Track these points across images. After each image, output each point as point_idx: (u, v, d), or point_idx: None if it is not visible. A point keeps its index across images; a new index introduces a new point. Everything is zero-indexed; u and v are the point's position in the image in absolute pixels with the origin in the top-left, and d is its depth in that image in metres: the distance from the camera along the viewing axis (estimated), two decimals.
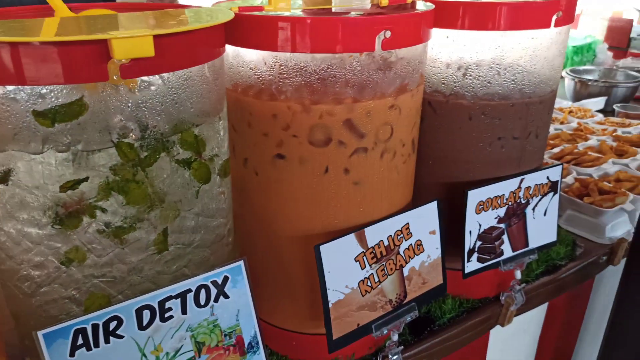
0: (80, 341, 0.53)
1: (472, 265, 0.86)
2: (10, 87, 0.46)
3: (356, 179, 0.67)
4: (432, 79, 0.81)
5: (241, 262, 0.61)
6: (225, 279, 0.61)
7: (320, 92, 0.62)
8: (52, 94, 0.46)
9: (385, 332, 0.75)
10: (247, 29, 0.60)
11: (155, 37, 0.45)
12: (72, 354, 0.53)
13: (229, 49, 0.64)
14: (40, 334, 0.51)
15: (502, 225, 0.88)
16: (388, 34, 0.59)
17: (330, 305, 0.68)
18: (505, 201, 0.86)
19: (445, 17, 0.74)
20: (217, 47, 0.56)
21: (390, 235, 0.72)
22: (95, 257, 0.56)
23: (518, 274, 0.94)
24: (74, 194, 0.52)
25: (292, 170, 0.66)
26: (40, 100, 0.46)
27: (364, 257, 0.70)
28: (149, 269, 0.58)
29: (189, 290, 0.58)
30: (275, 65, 0.62)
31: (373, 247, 0.71)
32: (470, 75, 0.79)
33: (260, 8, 0.65)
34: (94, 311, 0.53)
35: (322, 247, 0.65)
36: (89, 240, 0.55)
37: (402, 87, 0.66)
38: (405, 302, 0.76)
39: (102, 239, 0.55)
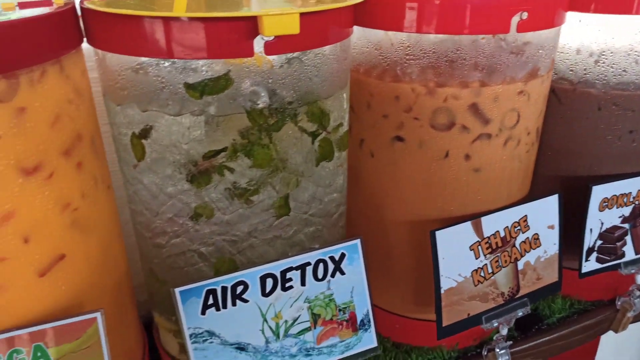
0: (210, 301, 0.57)
1: (590, 265, 0.81)
2: (164, 60, 0.50)
3: (477, 165, 0.65)
4: (559, 65, 0.76)
5: (357, 241, 0.62)
6: (342, 255, 0.62)
7: (447, 75, 0.61)
8: (203, 68, 0.49)
9: (495, 324, 0.73)
10: (376, 8, 0.60)
11: (301, 15, 0.46)
12: (203, 312, 0.57)
13: (354, 29, 0.65)
14: (177, 290, 0.56)
15: (626, 226, 0.82)
16: (525, 15, 0.57)
17: (442, 291, 0.67)
18: (632, 200, 0.80)
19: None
20: (349, 27, 0.57)
21: (507, 227, 0.70)
22: (221, 215, 0.59)
23: (639, 279, 0.87)
24: (207, 155, 0.55)
25: (410, 154, 0.66)
26: (192, 74, 0.50)
27: (479, 247, 0.68)
28: (267, 231, 0.61)
29: (308, 264, 0.60)
30: (402, 46, 0.61)
31: (489, 237, 0.69)
32: (603, 63, 0.74)
33: None
34: (223, 274, 0.57)
35: (437, 233, 0.64)
36: (216, 198, 0.58)
37: (533, 72, 0.63)
38: (517, 296, 0.73)
39: (228, 198, 0.58)
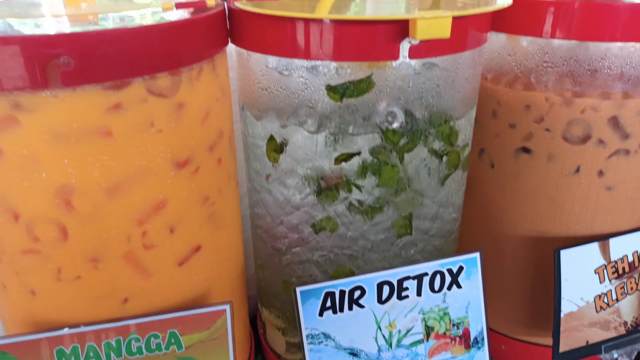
0: (328, 304, 0.57)
1: None
2: (309, 62, 0.51)
3: (610, 183, 0.62)
4: None
5: (477, 254, 0.60)
6: (460, 268, 0.60)
7: (587, 84, 0.58)
8: (347, 70, 0.50)
9: (615, 356, 0.68)
10: (513, 12, 0.58)
11: (454, 20, 0.45)
12: (320, 314, 0.57)
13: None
14: (298, 290, 0.57)
15: None
16: None
17: (562, 315, 0.63)
18: None
19: None
20: (486, 32, 0.55)
21: (637, 251, 0.65)
22: (343, 229, 0.59)
23: None
24: (336, 170, 0.56)
25: (537, 166, 0.63)
26: (335, 76, 0.50)
27: (605, 270, 0.64)
28: (387, 249, 0.61)
29: (425, 274, 0.59)
30: (539, 53, 0.59)
31: (616, 261, 0.65)
32: None
33: None
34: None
35: (562, 252, 0.61)
36: (341, 213, 0.59)
37: None
38: None
39: (352, 214, 0.58)
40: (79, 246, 0.47)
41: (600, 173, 0.61)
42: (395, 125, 0.53)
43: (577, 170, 0.61)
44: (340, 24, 0.46)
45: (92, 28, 0.45)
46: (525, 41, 0.60)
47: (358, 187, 0.56)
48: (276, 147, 0.58)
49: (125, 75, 0.42)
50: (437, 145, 0.56)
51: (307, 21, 0.47)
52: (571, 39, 0.56)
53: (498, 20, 0.59)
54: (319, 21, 0.46)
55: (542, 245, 0.64)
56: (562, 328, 0.63)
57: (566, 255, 0.61)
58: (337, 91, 0.51)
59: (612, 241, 0.63)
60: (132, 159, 0.46)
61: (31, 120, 0.42)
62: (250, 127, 0.61)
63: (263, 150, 0.60)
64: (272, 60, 0.53)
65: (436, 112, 0.54)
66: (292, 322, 0.69)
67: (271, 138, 0.57)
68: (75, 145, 0.43)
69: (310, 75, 0.51)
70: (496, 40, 0.63)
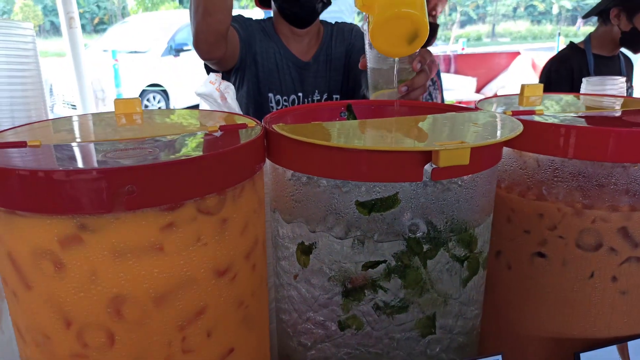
0: None
1: None
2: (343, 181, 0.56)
3: (624, 288, 0.64)
4: None
5: (499, 357, 0.62)
6: None
7: (595, 197, 0.62)
8: (375, 189, 0.55)
9: None
10: (526, 133, 0.64)
11: (472, 149, 0.51)
12: None
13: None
14: None
15: None
16: None
17: None
18: None
19: None
20: (500, 152, 0.61)
21: None
22: (369, 328, 0.62)
23: None
24: (362, 272, 0.60)
25: (552, 271, 0.66)
26: (364, 194, 0.55)
27: None
28: (412, 347, 0.63)
29: None
30: (549, 168, 0.64)
31: None
32: None
33: (531, 112, 0.69)
34: None
35: (582, 355, 0.63)
36: (367, 313, 0.61)
37: None
38: None
39: (377, 313, 0.61)
40: (124, 351, 0.50)
41: (614, 278, 0.64)
42: (418, 234, 0.57)
43: (592, 275, 0.64)
44: (372, 153, 0.51)
45: (149, 157, 0.51)
46: (535, 157, 0.65)
47: (383, 289, 0.60)
48: (305, 250, 0.62)
49: (179, 199, 0.48)
50: (457, 251, 0.60)
51: (342, 150, 0.52)
52: (578, 159, 0.61)
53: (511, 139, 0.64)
54: (354, 150, 0.52)
55: (561, 346, 0.66)
56: None
57: (586, 358, 0.63)
58: (366, 206, 0.55)
59: (631, 344, 0.65)
60: (179, 270, 0.50)
61: (94, 239, 0.46)
62: (280, 229, 0.65)
63: (291, 252, 0.64)
64: (305, 178, 0.58)
65: (456, 222, 0.58)
66: None
67: (301, 243, 0.61)
68: (131, 260, 0.47)
69: (341, 192, 0.56)
70: (508, 154, 0.68)
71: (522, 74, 6.57)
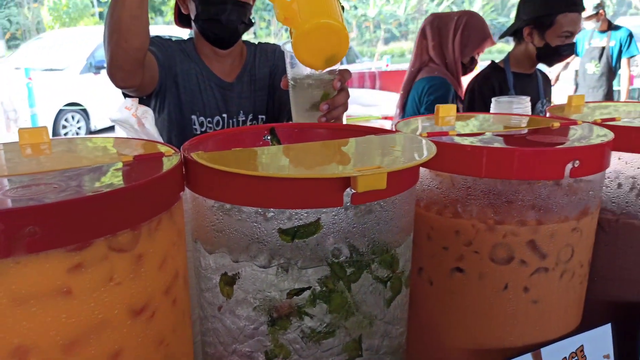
0: None
1: None
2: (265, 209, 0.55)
3: (535, 297, 0.69)
4: (602, 197, 0.82)
5: None
6: None
7: (505, 213, 0.66)
8: (297, 215, 0.55)
9: None
10: (441, 155, 0.66)
11: (388, 173, 0.52)
12: None
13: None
14: None
15: None
16: (577, 163, 0.63)
17: None
18: None
19: (619, 140, 0.76)
20: (417, 175, 0.63)
21: (565, 357, 0.71)
22: (297, 357, 0.61)
23: None
24: (288, 300, 0.59)
25: (470, 284, 0.69)
26: (286, 221, 0.55)
27: None
28: None
29: None
30: (463, 187, 0.67)
31: None
32: None
33: (445, 133, 0.73)
34: None
35: None
36: (293, 341, 0.61)
37: (585, 211, 0.68)
38: None
39: (305, 340, 0.61)
40: None
41: (526, 289, 0.68)
42: (342, 259, 0.58)
43: (506, 287, 0.68)
44: (293, 181, 0.51)
45: (53, 194, 0.47)
46: (450, 176, 0.68)
47: (309, 315, 0.59)
48: (228, 281, 0.60)
49: (88, 237, 0.45)
50: (380, 272, 0.61)
51: (263, 178, 0.52)
52: (488, 177, 0.64)
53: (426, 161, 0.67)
54: (275, 178, 0.51)
55: (483, 357, 0.68)
56: None
57: None
58: (288, 233, 0.55)
59: (544, 351, 0.69)
60: (90, 313, 0.47)
61: None
62: (202, 259, 0.63)
63: (214, 283, 0.62)
64: (227, 206, 0.57)
65: (377, 244, 0.59)
66: None
67: (224, 274, 0.60)
68: (34, 306, 0.44)
69: (263, 220, 0.56)
70: (425, 174, 0.71)
71: None
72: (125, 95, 1.33)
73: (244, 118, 1.49)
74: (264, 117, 1.51)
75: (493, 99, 1.05)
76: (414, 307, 0.76)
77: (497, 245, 0.67)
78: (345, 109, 0.97)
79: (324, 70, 0.89)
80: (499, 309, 0.69)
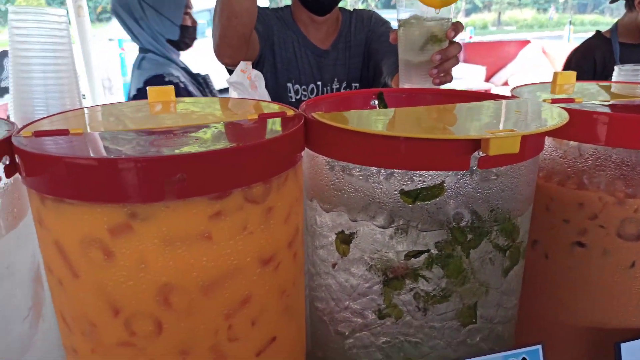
0: None
1: None
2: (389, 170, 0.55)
3: None
4: None
5: (539, 347, 0.62)
6: None
7: (639, 186, 0.61)
8: (420, 178, 0.54)
9: None
10: (568, 122, 0.63)
11: (522, 137, 0.50)
12: None
13: None
14: None
15: None
16: None
17: None
18: None
19: None
20: (544, 140, 0.60)
21: None
22: (409, 317, 0.62)
23: None
24: (404, 262, 0.59)
25: (591, 260, 0.66)
26: (408, 182, 0.55)
27: None
28: (452, 337, 0.63)
29: None
30: (592, 157, 0.63)
31: None
32: None
33: (570, 100, 0.68)
34: None
35: (622, 346, 0.63)
36: (407, 302, 0.61)
37: None
38: None
39: (417, 302, 0.61)
40: (172, 340, 0.50)
41: None
42: (462, 224, 0.57)
43: (633, 265, 0.64)
44: (420, 142, 0.51)
45: (197, 145, 0.50)
46: (577, 145, 0.64)
47: (425, 278, 0.59)
48: (345, 239, 0.62)
49: (227, 187, 0.47)
50: (500, 241, 0.59)
51: (388, 138, 0.51)
52: (622, 147, 0.60)
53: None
54: (401, 139, 0.51)
55: (600, 336, 0.65)
56: None
57: (627, 348, 0.62)
58: (411, 195, 0.55)
59: None
60: (226, 259, 0.50)
61: (144, 227, 0.46)
62: (318, 217, 0.65)
63: (329, 240, 0.63)
64: (349, 166, 0.57)
65: (500, 212, 0.58)
66: None
67: (341, 232, 0.61)
68: (180, 248, 0.47)
69: (386, 181, 0.56)
70: (547, 142, 0.67)
71: (533, 62, 6.50)
72: (230, 72, 1.38)
73: (337, 86, 1.49)
74: (357, 85, 1.51)
75: (616, 67, 0.97)
76: (525, 281, 0.74)
77: (626, 220, 0.62)
78: (457, 62, 0.94)
79: (437, 12, 0.87)
80: (623, 287, 0.65)
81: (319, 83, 1.48)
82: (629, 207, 0.62)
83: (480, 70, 6.45)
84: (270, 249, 0.53)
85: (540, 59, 6.68)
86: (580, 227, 0.65)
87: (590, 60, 1.88)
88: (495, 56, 6.90)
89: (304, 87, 1.47)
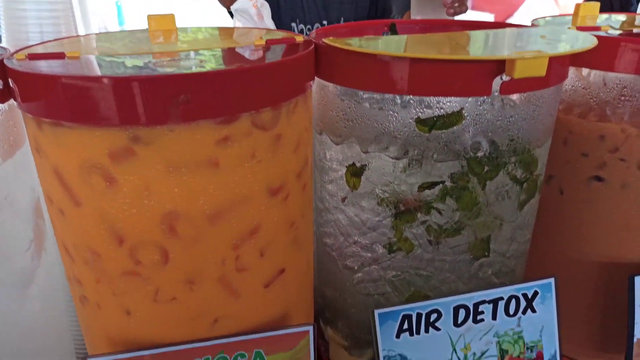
0: (405, 326, 0.59)
1: None
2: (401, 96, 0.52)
3: None
4: None
5: (552, 280, 0.61)
6: (535, 293, 0.61)
7: None
8: (437, 105, 0.52)
9: None
10: (597, 49, 0.59)
11: (549, 58, 0.47)
12: (397, 336, 0.59)
13: None
14: (376, 312, 0.58)
15: None
16: None
17: (635, 340, 0.64)
18: None
19: None
20: (568, 67, 0.56)
21: None
22: (420, 251, 0.61)
23: None
24: (417, 194, 0.57)
25: (609, 195, 0.64)
26: (425, 110, 0.52)
27: None
28: (463, 270, 0.62)
29: (501, 298, 0.60)
30: (617, 87, 0.60)
31: None
32: None
33: (596, 28, 0.64)
34: None
35: (636, 279, 0.62)
36: (418, 235, 0.60)
37: None
38: None
39: (429, 236, 0.59)
40: (178, 269, 0.49)
41: None
42: (480, 154, 0.54)
43: None
44: (439, 64, 0.47)
45: (202, 66, 0.47)
46: (602, 75, 0.60)
47: (438, 211, 0.58)
48: (356, 172, 0.59)
49: (235, 110, 0.44)
50: (517, 173, 0.57)
51: (405, 60, 0.48)
52: None
53: (576, 55, 0.60)
54: (419, 60, 0.48)
55: (614, 271, 0.64)
56: (634, 352, 0.64)
57: None
58: (427, 124, 0.52)
59: None
60: (234, 187, 0.48)
61: (147, 152, 0.44)
62: (327, 151, 0.63)
63: (339, 174, 0.61)
64: (362, 94, 0.54)
65: (519, 142, 0.55)
66: (359, 341, 0.70)
67: (351, 164, 0.59)
68: (185, 175, 0.45)
69: (401, 109, 0.53)
70: (570, 74, 0.64)
71: (542, 11, 6.29)
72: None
73: None
74: None
75: None
76: (539, 217, 0.72)
77: None
78: None
79: None
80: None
81: (325, 22, 1.42)
82: None
83: (489, 18, 6.25)
84: (279, 179, 0.51)
85: (550, 7, 6.46)
86: (600, 160, 0.63)
87: (607, 3, 1.80)
88: (503, 3, 6.66)
89: (308, 26, 1.41)
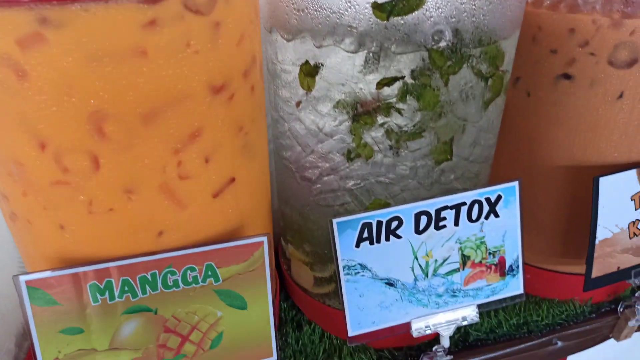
0: (365, 234, 0.56)
1: None
2: None
3: None
4: None
5: (516, 183, 0.59)
6: (499, 197, 0.59)
7: (638, 4, 0.55)
8: None
9: None
10: None
11: None
12: (357, 245, 0.56)
13: None
14: (335, 221, 0.55)
15: None
16: None
17: (597, 242, 0.63)
18: None
19: None
20: None
21: None
22: (380, 156, 0.57)
23: None
24: (374, 93, 0.53)
25: (577, 93, 0.61)
26: None
27: None
28: (425, 176, 0.59)
29: (464, 204, 0.58)
30: None
31: None
32: None
33: None
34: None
35: (601, 180, 0.60)
36: (377, 140, 0.56)
37: None
38: None
39: (389, 140, 0.56)
40: (112, 177, 0.44)
41: None
42: (442, 44, 0.50)
43: (621, 95, 0.59)
44: None
45: None
46: None
47: (398, 111, 0.54)
48: (310, 71, 0.54)
49: None
50: (483, 67, 0.53)
51: None
52: None
53: None
54: None
55: (578, 174, 0.63)
56: (596, 254, 0.64)
57: (605, 182, 0.60)
58: (384, 9, 0.47)
59: None
60: (168, 82, 0.42)
61: (59, 37, 0.38)
62: (279, 51, 0.57)
63: (293, 76, 0.56)
64: None
65: (485, 31, 0.51)
66: (321, 257, 0.68)
67: (305, 63, 0.54)
68: (109, 66, 0.39)
69: None
70: None
71: None
72: None
73: None
74: None
75: None
76: (504, 121, 0.69)
77: (620, 45, 0.56)
78: None
79: None
80: (608, 120, 0.61)
81: None
82: (625, 29, 0.55)
83: None
84: (221, 75, 0.46)
85: None
86: (569, 56, 0.59)
87: None
88: None
89: None
